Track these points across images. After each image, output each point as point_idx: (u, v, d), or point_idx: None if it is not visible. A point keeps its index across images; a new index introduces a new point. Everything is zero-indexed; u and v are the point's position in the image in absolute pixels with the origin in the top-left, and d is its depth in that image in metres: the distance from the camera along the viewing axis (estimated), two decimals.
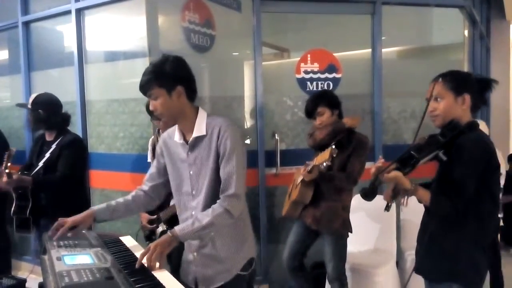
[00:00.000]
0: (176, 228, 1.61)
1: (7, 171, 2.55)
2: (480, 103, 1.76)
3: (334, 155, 2.30)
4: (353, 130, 2.64)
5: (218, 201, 1.63)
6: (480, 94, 1.74)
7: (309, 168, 2.46)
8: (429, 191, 1.66)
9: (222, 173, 1.63)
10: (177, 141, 1.74)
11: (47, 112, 2.78)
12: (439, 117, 1.71)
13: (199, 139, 1.68)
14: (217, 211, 1.60)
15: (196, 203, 1.71)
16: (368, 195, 1.62)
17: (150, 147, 2.85)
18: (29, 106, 2.79)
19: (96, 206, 1.81)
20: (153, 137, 2.85)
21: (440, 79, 1.72)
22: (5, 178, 2.55)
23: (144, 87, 1.64)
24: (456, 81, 1.70)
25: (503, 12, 4.59)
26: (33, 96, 2.84)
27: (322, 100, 2.63)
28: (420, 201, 1.69)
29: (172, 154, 1.79)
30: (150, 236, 2.76)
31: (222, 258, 1.71)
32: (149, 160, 2.86)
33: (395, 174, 1.59)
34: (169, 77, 1.61)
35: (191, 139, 1.69)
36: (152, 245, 1.57)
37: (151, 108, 1.68)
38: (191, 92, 1.69)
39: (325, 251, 2.66)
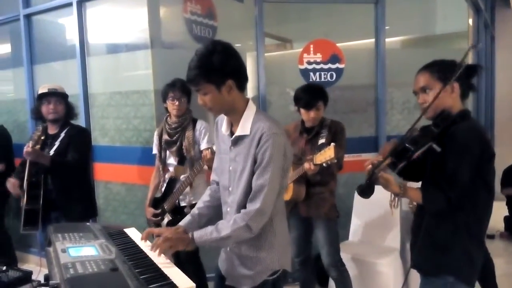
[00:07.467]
0: (195, 233, 1.57)
1: (31, 142, 2.62)
2: (469, 89, 1.73)
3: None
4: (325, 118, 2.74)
5: (242, 211, 1.55)
6: (467, 81, 1.70)
7: (313, 163, 2.45)
8: (419, 189, 1.65)
9: (254, 183, 1.54)
10: (224, 133, 1.67)
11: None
12: (430, 108, 1.65)
13: (241, 137, 1.59)
14: (237, 225, 1.52)
15: (231, 201, 1.65)
16: (365, 192, 1.57)
17: (156, 137, 2.78)
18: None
19: (182, 221, 1.74)
20: (157, 129, 2.79)
21: (426, 70, 1.70)
22: (29, 147, 2.57)
23: (192, 83, 1.52)
24: (443, 70, 1.66)
25: (507, 0, 4.55)
26: (58, 86, 2.87)
27: (323, 95, 2.68)
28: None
29: (220, 142, 1.73)
30: None
31: (246, 263, 1.65)
32: (154, 152, 2.80)
33: (388, 178, 1.60)
34: (217, 72, 1.48)
35: (233, 136, 1.61)
36: (168, 233, 1.55)
37: (199, 102, 1.57)
38: (242, 82, 1.57)
39: (318, 238, 2.74)
